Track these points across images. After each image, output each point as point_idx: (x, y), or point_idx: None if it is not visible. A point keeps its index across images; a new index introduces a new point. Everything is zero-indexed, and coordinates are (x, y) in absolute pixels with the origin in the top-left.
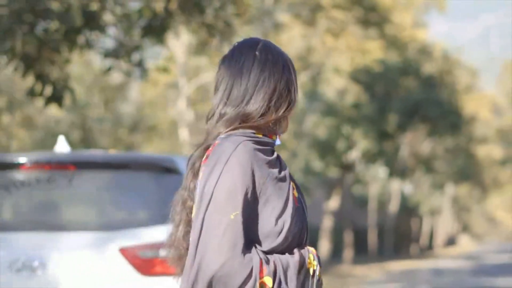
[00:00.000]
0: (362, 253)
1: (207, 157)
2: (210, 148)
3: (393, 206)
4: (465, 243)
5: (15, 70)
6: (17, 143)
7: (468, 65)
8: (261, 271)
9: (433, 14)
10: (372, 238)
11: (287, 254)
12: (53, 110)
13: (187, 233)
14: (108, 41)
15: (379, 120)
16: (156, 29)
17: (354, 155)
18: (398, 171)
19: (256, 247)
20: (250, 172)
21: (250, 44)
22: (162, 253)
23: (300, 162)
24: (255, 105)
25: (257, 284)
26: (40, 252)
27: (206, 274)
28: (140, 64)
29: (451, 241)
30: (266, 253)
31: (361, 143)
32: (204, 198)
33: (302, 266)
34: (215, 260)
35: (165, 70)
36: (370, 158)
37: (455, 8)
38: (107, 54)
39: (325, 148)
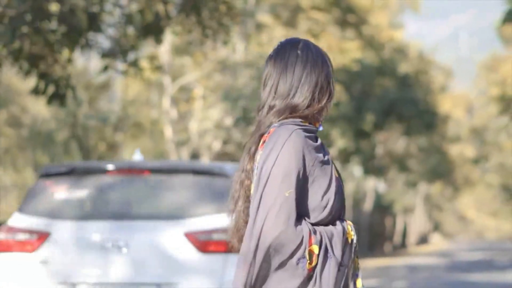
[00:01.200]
0: None
1: (263, 143)
2: (266, 135)
3: (368, 204)
4: (437, 242)
5: (20, 69)
6: (4, 141)
7: (442, 65)
8: (309, 240)
9: (404, 14)
10: None
11: (330, 226)
12: (39, 108)
13: (246, 208)
14: (104, 41)
15: (356, 119)
16: (154, 30)
17: (331, 153)
18: (373, 169)
19: (305, 220)
20: (302, 156)
21: (291, 44)
22: (214, 236)
23: None
24: (301, 98)
25: (306, 252)
26: (124, 235)
27: (264, 243)
28: (135, 63)
29: (423, 240)
30: (313, 225)
31: (338, 142)
32: (262, 178)
33: (343, 235)
34: (272, 231)
35: (158, 68)
36: (346, 156)
37: (426, 8)
38: (104, 54)
39: None
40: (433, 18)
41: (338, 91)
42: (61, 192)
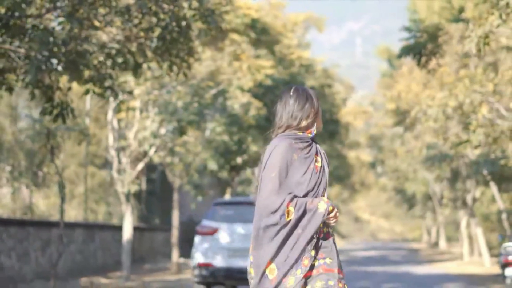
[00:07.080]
0: None
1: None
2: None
3: None
4: None
5: (31, 95)
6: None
7: (345, 80)
8: (288, 203)
9: (307, 28)
10: None
11: (308, 197)
12: None
13: None
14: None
15: (267, 127)
16: (133, 66)
17: (244, 158)
18: None
19: (290, 193)
20: (285, 156)
21: (288, 88)
22: None
23: (198, 163)
24: (295, 121)
25: (285, 211)
26: (246, 227)
27: (261, 204)
28: (111, 88)
29: None
30: (297, 196)
31: (250, 148)
32: (262, 169)
33: (305, 205)
34: (264, 197)
35: (130, 93)
36: (256, 160)
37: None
38: (85, 81)
39: (223, 153)
40: (330, 25)
41: (259, 106)
42: (222, 211)
